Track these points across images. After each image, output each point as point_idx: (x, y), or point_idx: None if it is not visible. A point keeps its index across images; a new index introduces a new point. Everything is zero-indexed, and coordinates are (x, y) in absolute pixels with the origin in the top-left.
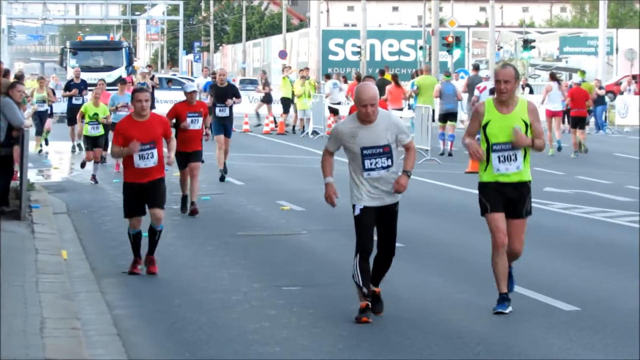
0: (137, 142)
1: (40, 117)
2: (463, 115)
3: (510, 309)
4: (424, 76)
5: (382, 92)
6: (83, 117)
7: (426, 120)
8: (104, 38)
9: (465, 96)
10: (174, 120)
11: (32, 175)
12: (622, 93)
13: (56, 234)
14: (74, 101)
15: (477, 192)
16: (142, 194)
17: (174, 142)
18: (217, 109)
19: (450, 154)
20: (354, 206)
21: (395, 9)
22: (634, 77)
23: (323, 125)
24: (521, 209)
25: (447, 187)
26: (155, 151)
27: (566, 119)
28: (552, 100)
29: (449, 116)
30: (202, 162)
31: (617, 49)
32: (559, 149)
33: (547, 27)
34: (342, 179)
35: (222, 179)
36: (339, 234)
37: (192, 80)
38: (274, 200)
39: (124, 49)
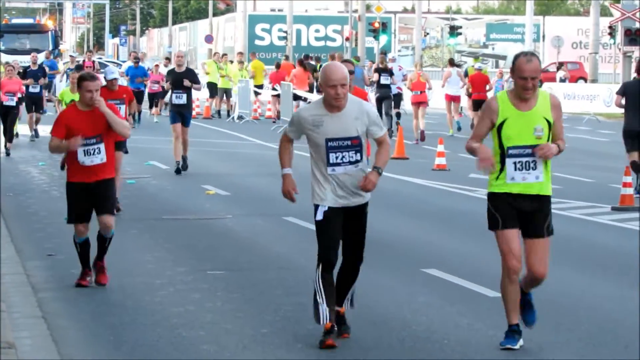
0: (78, 137)
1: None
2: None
3: (520, 343)
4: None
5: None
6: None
7: None
8: (30, 21)
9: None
10: None
11: None
12: (564, 80)
13: None
14: (31, 89)
15: (404, 177)
16: (88, 195)
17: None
18: (174, 96)
19: None
20: (316, 207)
21: None
22: (560, 64)
23: (249, 109)
24: (542, 225)
25: None
26: (102, 146)
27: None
28: (452, 84)
29: None
30: (126, 152)
31: (543, 36)
32: (459, 129)
33: (474, 14)
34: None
35: (177, 171)
36: (264, 219)
37: (119, 65)
38: (199, 184)
39: (50, 32)
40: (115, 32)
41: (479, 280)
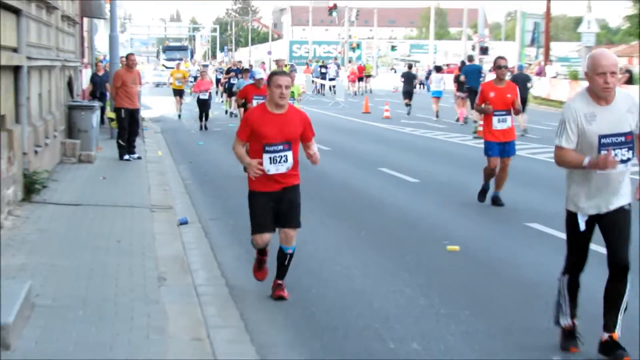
0: (258, 165)
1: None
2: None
3: None
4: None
5: None
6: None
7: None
8: (179, 44)
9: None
10: (242, 100)
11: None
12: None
13: (155, 143)
14: (232, 80)
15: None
16: (273, 205)
17: (315, 147)
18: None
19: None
20: (571, 214)
21: (326, 30)
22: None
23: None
24: None
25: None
26: (290, 154)
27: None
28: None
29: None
30: None
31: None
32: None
33: (404, 39)
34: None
35: None
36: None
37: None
38: None
39: (189, 50)
40: (222, 49)
41: None
